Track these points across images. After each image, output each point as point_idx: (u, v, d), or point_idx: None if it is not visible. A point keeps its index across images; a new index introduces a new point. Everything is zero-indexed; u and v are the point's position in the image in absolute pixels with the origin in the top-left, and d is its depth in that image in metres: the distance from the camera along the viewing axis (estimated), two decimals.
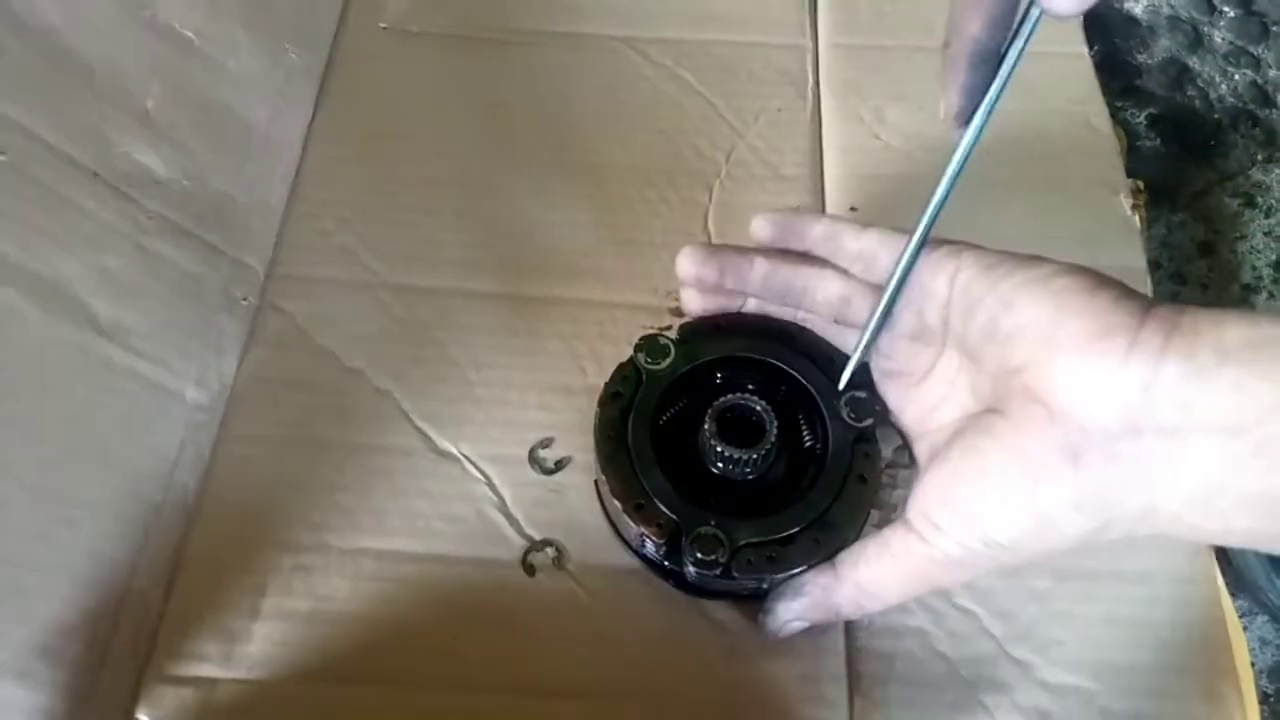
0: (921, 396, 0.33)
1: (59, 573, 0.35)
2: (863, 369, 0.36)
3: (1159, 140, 0.83)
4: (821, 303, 0.37)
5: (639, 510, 0.35)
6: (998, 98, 0.30)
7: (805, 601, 0.34)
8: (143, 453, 0.38)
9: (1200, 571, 0.39)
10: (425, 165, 0.49)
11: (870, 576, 0.32)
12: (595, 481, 0.40)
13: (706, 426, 0.36)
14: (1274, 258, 0.77)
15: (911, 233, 0.33)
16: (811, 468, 0.37)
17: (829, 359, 0.38)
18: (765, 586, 0.36)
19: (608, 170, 0.50)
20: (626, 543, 0.39)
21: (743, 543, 0.34)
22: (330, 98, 0.51)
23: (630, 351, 0.38)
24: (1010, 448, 0.28)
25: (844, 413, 0.37)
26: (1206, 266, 0.77)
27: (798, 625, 0.35)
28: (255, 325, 0.44)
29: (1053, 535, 0.28)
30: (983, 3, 0.28)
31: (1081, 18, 0.56)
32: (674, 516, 0.35)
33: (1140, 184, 0.50)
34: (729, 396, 0.37)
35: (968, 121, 0.31)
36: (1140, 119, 0.84)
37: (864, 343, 0.35)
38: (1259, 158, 0.82)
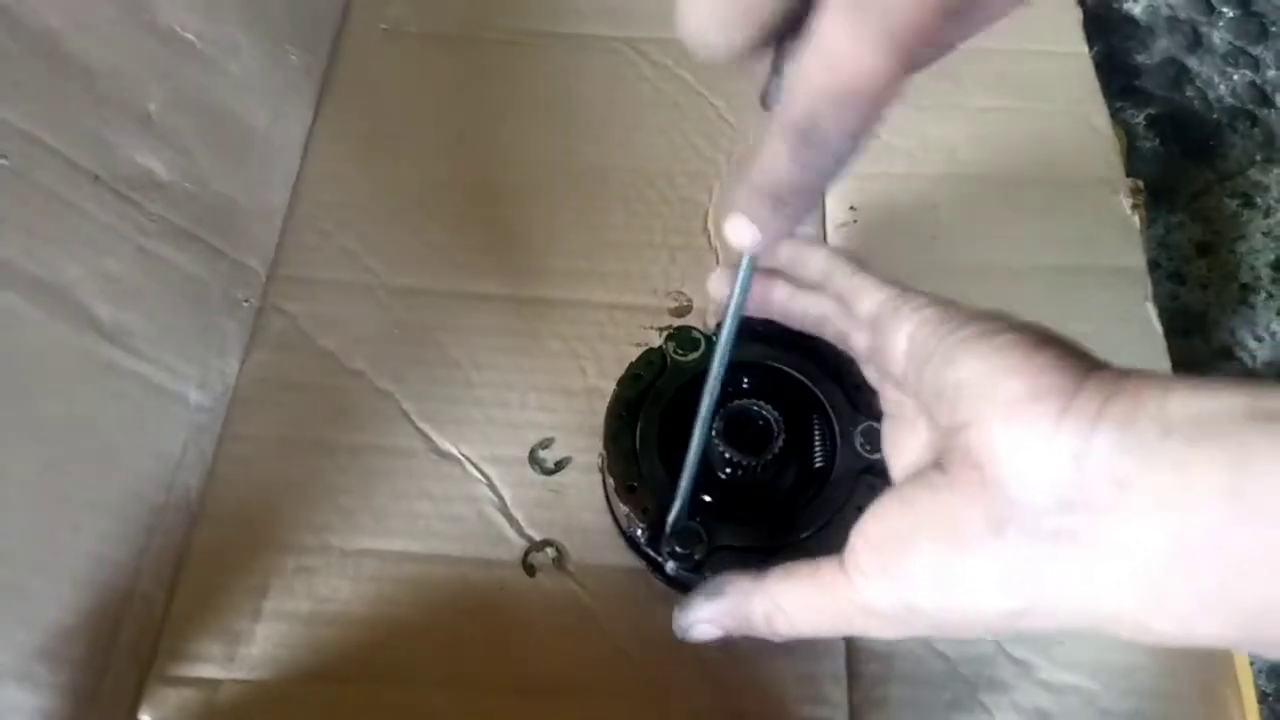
0: (900, 440, 0.32)
1: (61, 575, 0.35)
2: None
3: (1158, 140, 0.83)
4: (833, 335, 0.36)
5: (630, 492, 0.35)
6: (735, 318, 0.31)
7: (722, 604, 0.32)
8: (145, 455, 0.39)
9: None
10: (426, 167, 0.49)
11: (792, 598, 0.30)
12: (599, 455, 0.40)
13: (715, 426, 0.36)
14: (1272, 258, 0.77)
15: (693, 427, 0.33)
16: (813, 488, 0.37)
17: (857, 386, 0.37)
18: None
19: (608, 171, 0.50)
20: (618, 523, 0.39)
21: (722, 544, 0.34)
22: (331, 100, 0.52)
23: (628, 351, 0.39)
24: (941, 510, 0.26)
25: (857, 441, 0.36)
26: (1205, 266, 0.77)
27: (707, 630, 0.33)
28: (257, 327, 0.44)
29: (971, 611, 0.26)
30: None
31: (1082, 16, 0.56)
32: (662, 505, 0.35)
33: (1140, 184, 0.50)
34: (744, 401, 0.36)
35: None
36: (1139, 119, 0.84)
37: (681, 499, 0.35)
38: (1258, 158, 0.82)
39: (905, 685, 0.37)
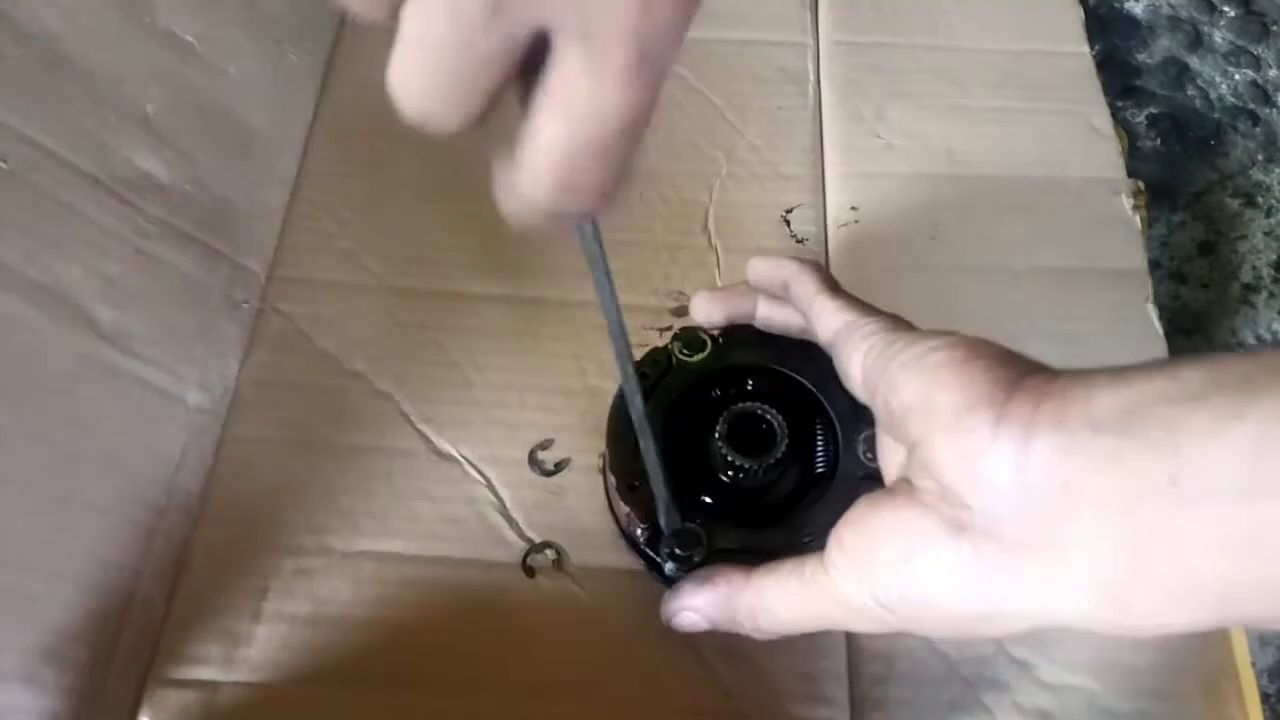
0: (887, 449, 0.33)
1: (63, 577, 0.35)
2: None
3: (1159, 140, 0.83)
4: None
5: (631, 490, 0.35)
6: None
7: (709, 595, 0.32)
8: (145, 456, 0.39)
9: None
10: (426, 167, 0.49)
11: (776, 594, 0.31)
12: (600, 455, 0.40)
13: (718, 429, 0.36)
14: (1274, 257, 0.76)
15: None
16: (814, 493, 0.37)
17: None
18: None
19: None
20: (619, 523, 0.39)
21: (721, 547, 0.34)
22: (331, 100, 0.52)
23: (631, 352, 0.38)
24: (904, 514, 0.27)
25: (860, 448, 0.36)
26: (1207, 266, 0.77)
27: (693, 619, 0.33)
28: (256, 328, 0.44)
29: (938, 611, 0.27)
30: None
31: (1083, 16, 0.56)
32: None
33: (1141, 184, 0.50)
34: (747, 404, 0.36)
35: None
36: (1140, 119, 0.84)
37: (661, 499, 0.35)
38: (1259, 157, 0.82)
39: (906, 685, 0.37)
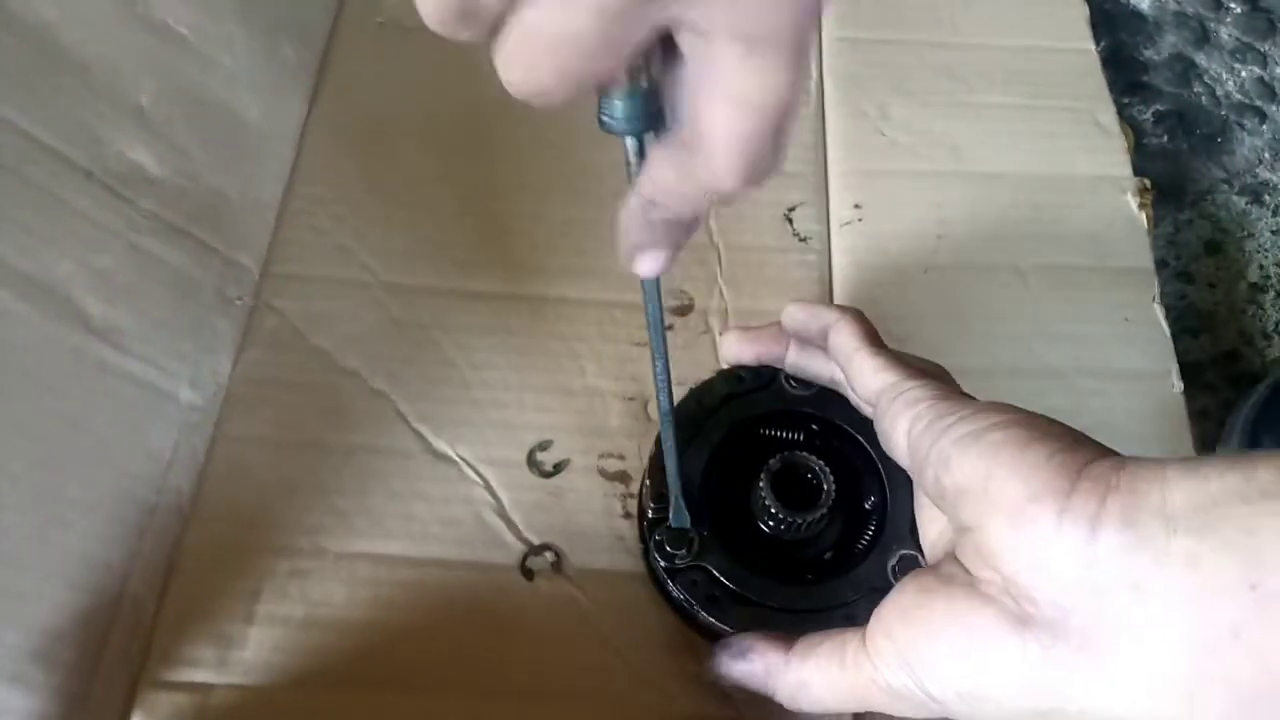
0: (927, 510, 0.32)
1: (52, 575, 0.34)
2: None
3: (1165, 137, 0.82)
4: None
5: (663, 471, 0.35)
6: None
7: (747, 670, 0.32)
8: (136, 454, 0.38)
9: None
10: (422, 162, 0.49)
11: (817, 678, 0.30)
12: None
13: (763, 476, 0.35)
14: None
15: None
16: (855, 559, 0.35)
17: None
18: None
19: (606, 167, 0.49)
20: (640, 499, 0.38)
21: (752, 599, 0.34)
22: (326, 94, 0.51)
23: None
24: (961, 606, 0.26)
25: (890, 564, 0.34)
26: (1214, 265, 0.76)
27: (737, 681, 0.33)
28: (250, 325, 0.44)
29: (993, 707, 0.26)
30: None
31: (1089, 12, 0.55)
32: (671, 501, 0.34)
33: (1147, 182, 0.49)
34: (798, 454, 0.35)
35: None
36: (1146, 115, 0.83)
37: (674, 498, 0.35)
38: (1266, 155, 0.81)
39: None
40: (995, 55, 0.53)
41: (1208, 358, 0.72)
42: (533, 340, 0.44)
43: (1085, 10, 0.55)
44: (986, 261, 0.47)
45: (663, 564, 0.34)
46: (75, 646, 0.34)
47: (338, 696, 0.36)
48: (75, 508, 0.35)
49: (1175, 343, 0.45)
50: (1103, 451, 0.26)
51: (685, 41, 0.20)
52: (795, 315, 0.36)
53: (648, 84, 0.22)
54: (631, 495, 0.40)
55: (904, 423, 0.29)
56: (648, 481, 0.36)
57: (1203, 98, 0.84)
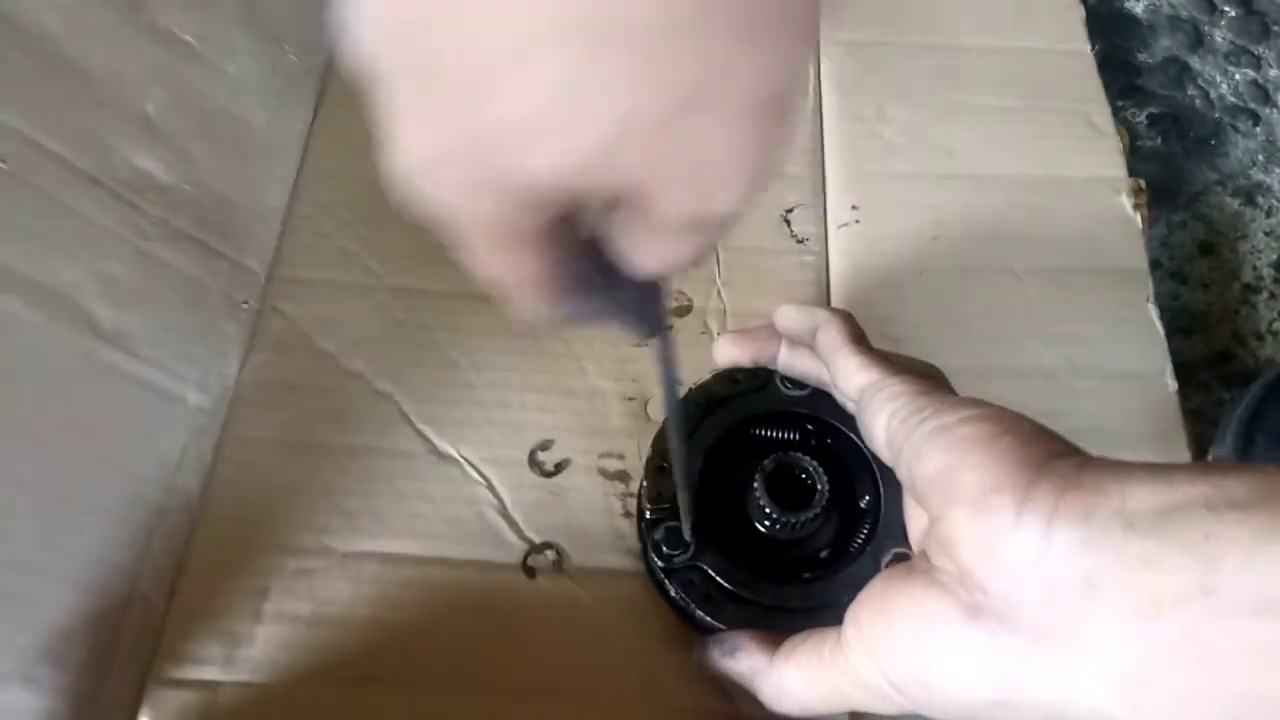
0: (913, 510, 0.32)
1: (63, 578, 0.35)
2: None
3: (1159, 140, 0.83)
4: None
5: (660, 471, 0.35)
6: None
7: (732, 668, 0.32)
8: (145, 457, 0.39)
9: None
10: None
11: (798, 677, 0.30)
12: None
13: (757, 476, 0.35)
14: (1275, 257, 0.76)
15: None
16: (846, 559, 0.36)
17: None
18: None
19: None
20: (639, 500, 0.39)
21: (744, 597, 0.34)
22: (330, 99, 0.51)
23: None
24: (920, 594, 0.26)
25: (884, 559, 0.35)
26: (1207, 266, 0.76)
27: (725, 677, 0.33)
28: (256, 328, 0.44)
29: (950, 695, 0.26)
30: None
31: (1084, 15, 0.56)
32: (673, 499, 0.35)
33: (1142, 183, 0.50)
34: (791, 455, 0.36)
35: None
36: (1140, 118, 0.84)
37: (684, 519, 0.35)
38: (1260, 157, 0.82)
39: None
40: (992, 58, 0.54)
41: (1201, 358, 0.73)
42: (534, 342, 0.44)
43: (1081, 13, 0.56)
44: (982, 263, 0.47)
45: (660, 564, 0.35)
46: (86, 647, 0.35)
47: (343, 693, 0.36)
48: (85, 512, 0.36)
49: (1169, 343, 0.45)
50: (1070, 449, 0.26)
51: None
52: (787, 315, 0.37)
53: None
54: (631, 494, 0.41)
55: (883, 417, 0.30)
56: (645, 482, 0.37)
57: (1197, 100, 0.85)
